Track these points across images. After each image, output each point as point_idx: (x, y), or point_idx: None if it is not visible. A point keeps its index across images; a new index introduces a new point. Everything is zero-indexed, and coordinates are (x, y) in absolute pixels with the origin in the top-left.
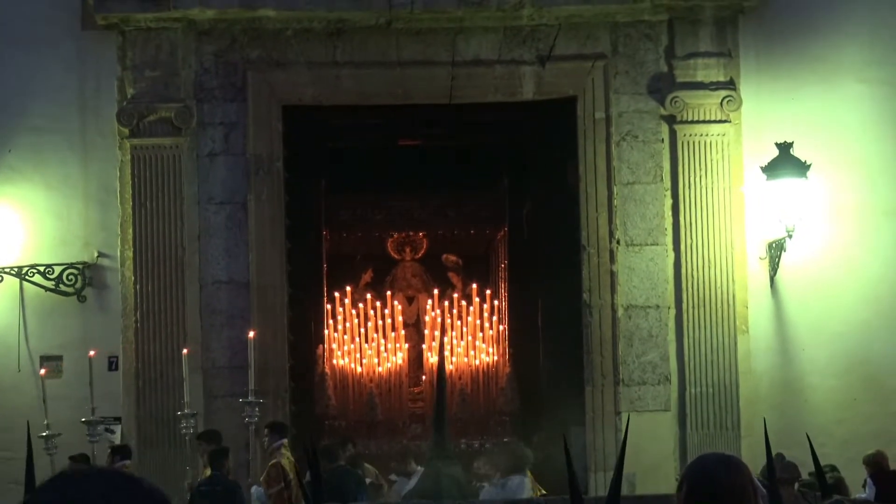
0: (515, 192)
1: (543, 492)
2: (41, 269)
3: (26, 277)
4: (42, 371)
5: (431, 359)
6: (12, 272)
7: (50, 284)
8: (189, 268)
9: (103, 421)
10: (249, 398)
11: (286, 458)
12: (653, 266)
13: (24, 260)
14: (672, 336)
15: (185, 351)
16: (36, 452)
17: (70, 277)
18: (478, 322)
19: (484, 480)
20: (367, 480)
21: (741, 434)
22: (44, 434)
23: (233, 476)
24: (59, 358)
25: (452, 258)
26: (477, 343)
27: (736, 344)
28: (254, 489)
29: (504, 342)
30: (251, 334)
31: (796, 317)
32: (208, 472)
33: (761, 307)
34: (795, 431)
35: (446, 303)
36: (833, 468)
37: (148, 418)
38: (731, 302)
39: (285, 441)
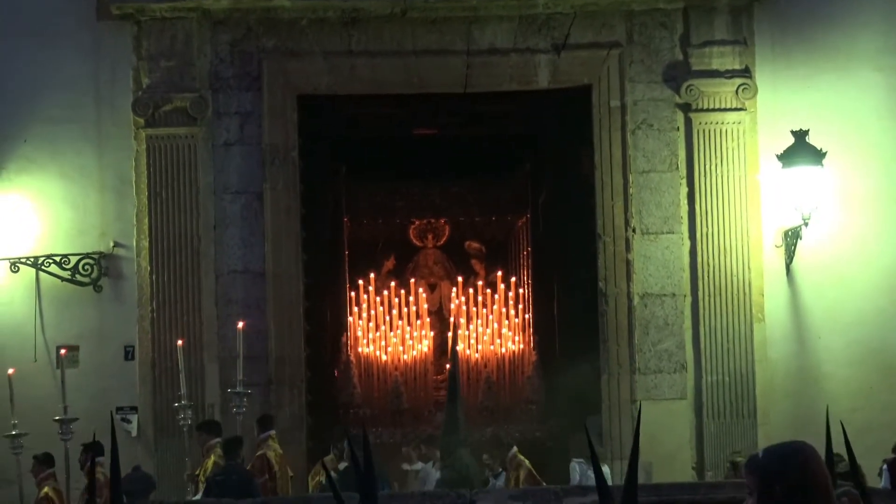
0: (536, 178)
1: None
2: (57, 259)
3: (42, 267)
4: (10, 371)
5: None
6: (28, 262)
7: (66, 274)
8: (205, 257)
9: (66, 421)
10: (238, 389)
11: (273, 450)
12: (668, 254)
13: (40, 250)
14: (688, 324)
15: (179, 342)
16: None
17: (86, 267)
18: (503, 310)
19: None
20: None
21: (758, 422)
22: (11, 433)
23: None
24: (76, 348)
25: (475, 245)
26: (503, 331)
27: (752, 332)
28: None
29: (529, 330)
30: (240, 325)
31: (812, 305)
32: (210, 462)
33: (777, 295)
34: (811, 420)
35: (470, 290)
36: (842, 458)
37: (164, 407)
38: (746, 290)
39: (272, 433)
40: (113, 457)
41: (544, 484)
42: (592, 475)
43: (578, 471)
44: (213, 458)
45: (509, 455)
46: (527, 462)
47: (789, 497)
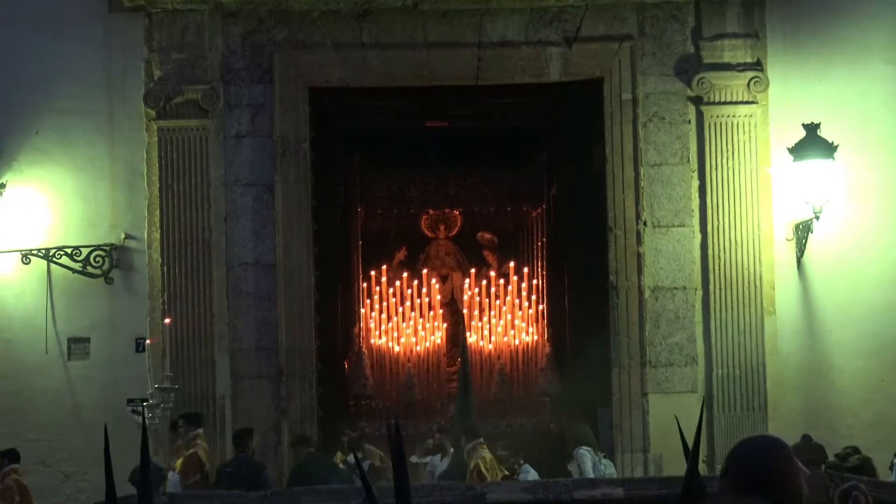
0: (551, 170)
1: (488, 457)
2: (68, 251)
3: (54, 259)
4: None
5: (470, 338)
6: (40, 254)
7: (77, 266)
8: (216, 250)
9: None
10: (165, 384)
11: (202, 448)
12: (679, 247)
13: (51, 242)
14: (699, 318)
15: (148, 341)
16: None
17: (97, 259)
18: (516, 301)
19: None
20: (368, 462)
21: (768, 415)
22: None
23: (258, 457)
24: (87, 340)
25: (488, 236)
26: (516, 322)
27: (763, 325)
28: (170, 474)
29: (543, 322)
30: (167, 320)
31: (823, 298)
32: (192, 453)
33: (788, 289)
34: (822, 413)
35: (483, 282)
36: (856, 450)
37: (175, 399)
38: (757, 283)
39: (201, 431)
40: (143, 458)
41: (488, 479)
42: (605, 463)
43: (590, 458)
44: (194, 449)
45: (469, 445)
46: (483, 457)
47: (732, 491)
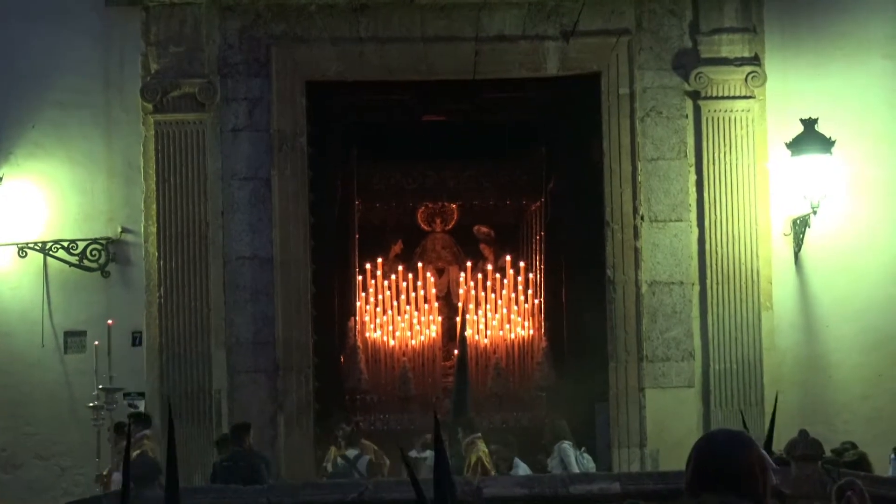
0: (549, 164)
1: (484, 450)
2: (65, 244)
3: (50, 253)
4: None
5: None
6: (36, 248)
7: (74, 260)
8: (213, 243)
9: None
10: (109, 385)
11: (149, 449)
12: (677, 242)
13: (47, 235)
14: (696, 312)
15: (95, 342)
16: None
17: (94, 253)
18: (512, 295)
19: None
20: (367, 458)
21: (765, 410)
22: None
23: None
24: (83, 333)
25: (484, 229)
26: (512, 317)
27: (760, 320)
28: (115, 475)
29: (540, 316)
30: (110, 322)
31: (820, 293)
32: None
33: (785, 283)
34: (819, 408)
35: (479, 275)
36: (853, 445)
37: (172, 393)
38: (755, 278)
39: (148, 432)
40: (170, 454)
41: (492, 473)
42: (587, 458)
43: (572, 453)
44: (141, 450)
45: (468, 440)
46: (483, 451)
47: (698, 484)
